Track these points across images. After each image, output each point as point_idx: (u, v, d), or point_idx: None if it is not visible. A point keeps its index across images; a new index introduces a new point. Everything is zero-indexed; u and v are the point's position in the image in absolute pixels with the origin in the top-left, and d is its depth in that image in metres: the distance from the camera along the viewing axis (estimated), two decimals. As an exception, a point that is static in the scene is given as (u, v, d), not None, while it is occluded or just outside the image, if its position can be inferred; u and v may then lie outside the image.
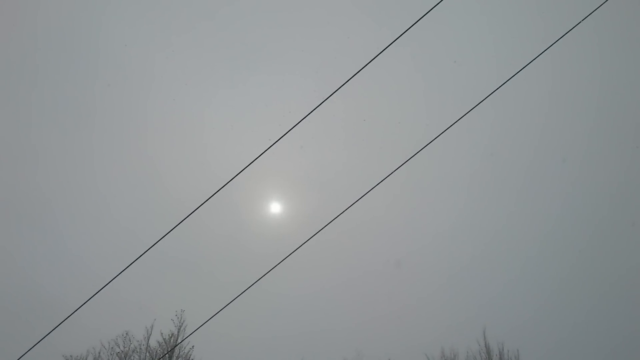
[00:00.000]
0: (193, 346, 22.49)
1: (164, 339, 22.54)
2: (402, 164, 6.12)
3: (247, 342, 26.78)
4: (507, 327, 24.66)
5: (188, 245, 26.78)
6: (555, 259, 27.70)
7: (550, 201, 28.20)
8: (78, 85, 27.01)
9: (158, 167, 28.67)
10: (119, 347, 22.32)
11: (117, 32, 26.24)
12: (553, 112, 27.63)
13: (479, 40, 27.33)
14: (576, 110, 27.34)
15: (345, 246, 28.59)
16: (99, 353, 22.17)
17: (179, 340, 22.39)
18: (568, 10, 22.40)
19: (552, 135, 27.81)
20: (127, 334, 22.69)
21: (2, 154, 26.55)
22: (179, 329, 22.72)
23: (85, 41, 26.52)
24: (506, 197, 28.80)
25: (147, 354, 22.26)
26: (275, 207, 29.21)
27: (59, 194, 27.79)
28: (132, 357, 22.17)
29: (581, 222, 27.93)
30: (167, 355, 22.05)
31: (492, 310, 27.07)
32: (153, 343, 22.59)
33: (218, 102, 28.29)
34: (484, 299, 27.74)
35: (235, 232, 29.35)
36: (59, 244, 27.57)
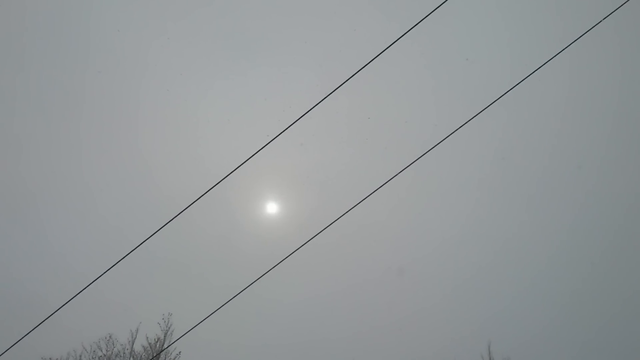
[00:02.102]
0: (180, 352, 22.54)
1: (150, 344, 22.57)
2: (408, 165, 6.13)
3: (238, 349, 26.81)
4: (514, 342, 24.70)
5: (178, 245, 26.82)
6: (567, 272, 27.73)
7: (564, 210, 28.23)
8: (66, 72, 27.03)
9: (149, 161, 28.70)
10: (102, 351, 22.37)
11: (109, 17, 26.26)
12: (569, 115, 27.66)
13: (492, 37, 27.36)
14: (594, 115, 27.36)
15: (345, 251, 28.63)
16: (80, 356, 22.21)
17: (165, 345, 22.41)
18: (588, 8, 22.42)
19: (568, 140, 27.84)
20: (110, 336, 22.74)
21: (-17, 142, 26.57)
22: (165, 334, 22.76)
23: (75, 25, 26.55)
24: (517, 204, 28.83)
25: (131, 359, 22.29)
26: (272, 208, 29.24)
27: (43, 187, 27.82)
28: (114, 362, 22.22)
29: (596, 233, 27.95)
30: (152, 360, 22.08)
31: (498, 324, 27.12)
32: (138, 347, 22.65)
33: (214, 94, 28.32)
34: (490, 311, 27.78)
35: (229, 232, 29.39)
36: (41, 239, 27.61)
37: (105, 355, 22.25)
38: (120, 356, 22.33)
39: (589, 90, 27.06)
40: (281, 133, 5.84)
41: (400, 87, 28.33)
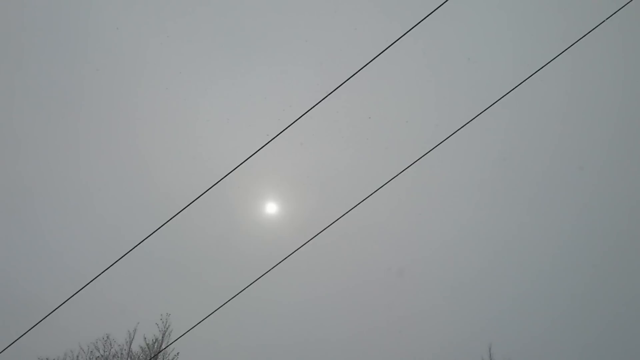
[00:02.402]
0: (178, 353, 22.51)
1: (147, 344, 22.55)
2: (409, 166, 6.12)
3: (236, 350, 26.81)
4: (515, 344, 24.68)
5: (176, 245, 26.82)
6: (568, 274, 27.73)
7: (565, 211, 28.23)
8: (64, 69, 27.03)
9: (147, 160, 28.70)
10: (99, 351, 22.35)
11: (108, 14, 26.26)
12: (571, 116, 27.66)
13: (495, 36, 27.36)
14: (596, 115, 27.36)
15: (345, 252, 28.63)
16: (77, 356, 22.20)
17: (164, 346, 22.39)
18: (591, 8, 22.42)
19: (570, 141, 27.84)
20: (107, 337, 22.72)
21: (-20, 140, 26.56)
22: (163, 334, 22.74)
23: (73, 22, 26.54)
24: (518, 206, 28.83)
25: (129, 360, 22.29)
26: (271, 208, 29.24)
27: (40, 185, 27.82)
28: (112, 363, 22.21)
29: (597, 235, 27.96)
30: (149, 361, 22.07)
31: (499, 326, 27.11)
32: (135, 348, 22.63)
33: (214, 93, 28.31)
34: (490, 313, 27.78)
35: (228, 232, 29.39)
36: (38, 238, 27.60)
37: (102, 355, 22.24)
38: (118, 357, 22.31)
39: (591, 91, 27.07)
40: (281, 133, 5.84)
41: (401, 87, 28.34)
